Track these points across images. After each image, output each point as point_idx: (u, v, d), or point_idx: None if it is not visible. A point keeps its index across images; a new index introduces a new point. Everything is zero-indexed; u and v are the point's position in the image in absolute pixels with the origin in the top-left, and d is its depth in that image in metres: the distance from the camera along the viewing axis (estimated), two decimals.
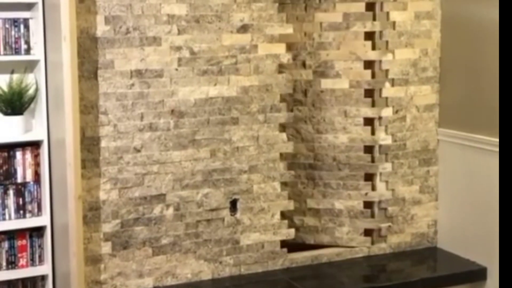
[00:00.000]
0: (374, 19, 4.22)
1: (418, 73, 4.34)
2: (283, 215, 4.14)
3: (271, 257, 4.11)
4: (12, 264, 3.69)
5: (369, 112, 4.25)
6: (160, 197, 3.83)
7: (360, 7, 4.21)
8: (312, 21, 4.27)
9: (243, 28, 3.92)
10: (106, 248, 3.74)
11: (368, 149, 4.29)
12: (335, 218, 4.35)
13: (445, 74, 4.34)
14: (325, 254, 4.26)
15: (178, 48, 3.79)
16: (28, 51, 3.68)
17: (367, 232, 4.34)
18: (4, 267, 3.68)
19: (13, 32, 3.65)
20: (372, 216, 4.33)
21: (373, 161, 4.29)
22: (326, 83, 4.27)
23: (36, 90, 3.71)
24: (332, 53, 4.26)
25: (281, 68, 4.07)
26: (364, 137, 4.26)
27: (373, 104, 4.26)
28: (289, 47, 4.15)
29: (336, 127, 4.29)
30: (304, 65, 4.31)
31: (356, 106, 4.25)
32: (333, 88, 4.28)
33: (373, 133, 4.28)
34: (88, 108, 3.64)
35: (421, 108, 4.36)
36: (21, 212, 3.70)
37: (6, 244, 3.68)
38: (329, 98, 4.28)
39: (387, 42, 4.24)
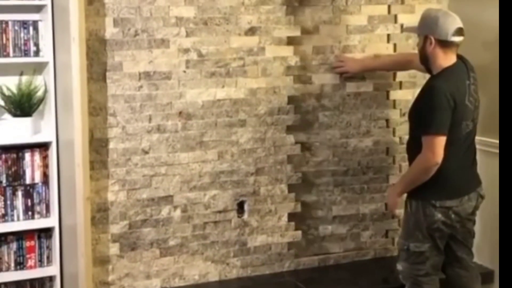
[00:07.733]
0: (395, 21, 4.23)
1: (426, 76, 4.32)
2: (291, 216, 4.14)
3: (278, 259, 4.12)
4: (20, 264, 3.71)
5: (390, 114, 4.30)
6: (167, 199, 3.84)
7: (383, 9, 4.20)
8: (339, 23, 4.17)
9: (251, 31, 3.93)
10: (114, 249, 3.75)
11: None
12: (360, 223, 4.32)
13: None
14: (332, 257, 4.26)
15: (186, 50, 3.80)
16: (37, 53, 3.70)
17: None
18: (12, 268, 3.69)
19: (22, 34, 3.66)
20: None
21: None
22: (350, 87, 4.22)
23: (45, 91, 3.72)
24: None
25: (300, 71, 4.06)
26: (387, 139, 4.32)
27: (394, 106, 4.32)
28: (317, 50, 4.09)
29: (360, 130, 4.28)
30: None
31: (380, 109, 4.27)
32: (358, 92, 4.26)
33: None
34: (97, 109, 3.66)
35: None
36: (30, 213, 3.72)
37: (14, 245, 3.70)
38: (354, 102, 4.23)
39: (394, 44, 4.24)
